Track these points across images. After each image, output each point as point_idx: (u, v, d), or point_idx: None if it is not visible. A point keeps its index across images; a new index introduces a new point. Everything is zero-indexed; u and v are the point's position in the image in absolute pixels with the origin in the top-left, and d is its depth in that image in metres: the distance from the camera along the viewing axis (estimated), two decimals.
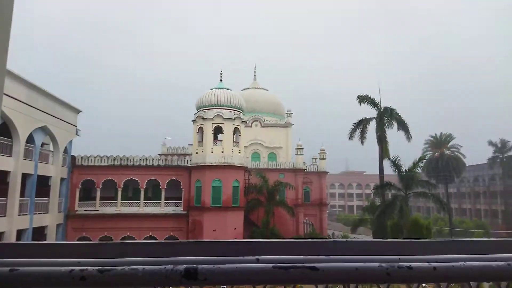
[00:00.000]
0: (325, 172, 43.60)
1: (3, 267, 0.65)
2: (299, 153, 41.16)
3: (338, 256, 0.79)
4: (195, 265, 0.67)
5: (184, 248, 0.88)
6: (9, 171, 20.93)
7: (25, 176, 22.74)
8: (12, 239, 20.69)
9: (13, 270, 0.64)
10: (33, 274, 0.64)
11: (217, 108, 29.34)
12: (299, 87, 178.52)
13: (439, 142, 55.92)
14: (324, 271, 0.70)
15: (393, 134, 38.45)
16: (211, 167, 28.62)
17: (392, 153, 35.22)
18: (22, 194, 22.46)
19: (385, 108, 38.01)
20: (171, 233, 29.87)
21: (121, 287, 0.66)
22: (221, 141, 29.63)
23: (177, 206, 30.67)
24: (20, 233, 22.11)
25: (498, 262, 0.76)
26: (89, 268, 0.66)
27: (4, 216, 20.35)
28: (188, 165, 30.66)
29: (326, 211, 45.81)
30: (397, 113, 37.27)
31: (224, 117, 29.15)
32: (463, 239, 0.95)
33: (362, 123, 39.79)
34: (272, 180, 34.15)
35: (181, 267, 0.67)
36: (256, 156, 45.35)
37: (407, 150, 40.71)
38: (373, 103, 38.83)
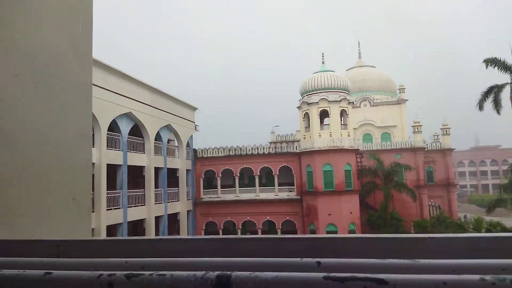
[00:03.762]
0: (450, 149, 39.18)
1: (40, 269, 0.65)
2: (416, 130, 37.74)
3: (421, 260, 0.56)
4: (228, 272, 0.57)
5: (240, 245, 0.78)
6: (144, 166, 24.10)
7: (157, 170, 25.91)
8: (152, 225, 23.88)
9: (48, 274, 0.63)
10: (66, 280, 0.62)
11: (322, 92, 28.71)
12: (414, 59, 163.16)
13: None
14: (396, 285, 0.49)
15: None
16: (320, 152, 28.30)
17: None
18: (156, 186, 25.66)
19: None
20: (287, 217, 30.62)
21: None
22: (328, 124, 28.99)
23: (291, 191, 31.25)
24: (157, 219, 25.36)
25: None
26: (117, 273, 0.61)
27: (144, 205, 23.58)
28: (297, 151, 30.88)
29: (455, 192, 41.25)
30: None
31: (329, 100, 28.40)
32: None
33: (493, 91, 34.36)
34: (388, 161, 32.10)
35: (213, 275, 0.57)
36: (367, 137, 43.17)
37: None
38: (504, 66, 33.10)
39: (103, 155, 19.97)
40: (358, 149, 31.33)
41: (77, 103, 1.56)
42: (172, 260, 0.70)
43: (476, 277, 0.52)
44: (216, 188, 32.56)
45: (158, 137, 26.46)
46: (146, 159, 24.29)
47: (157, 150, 26.18)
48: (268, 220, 31.01)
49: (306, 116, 29.72)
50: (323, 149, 28.21)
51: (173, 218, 28.77)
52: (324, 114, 29.14)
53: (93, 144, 19.79)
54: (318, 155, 28.37)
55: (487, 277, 0.51)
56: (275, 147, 32.27)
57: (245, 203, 31.30)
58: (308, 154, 29.17)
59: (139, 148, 24.06)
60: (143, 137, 24.52)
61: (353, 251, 0.69)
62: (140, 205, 23.26)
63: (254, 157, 31.98)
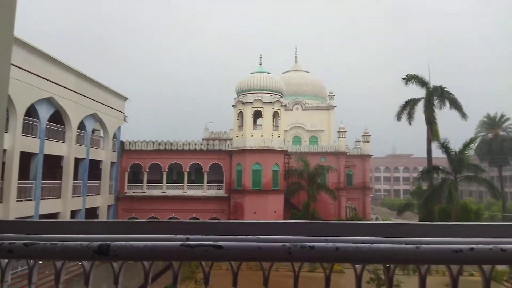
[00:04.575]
0: (369, 156, 42.53)
1: None
2: (341, 136, 40.39)
3: (246, 236, 0.81)
4: (108, 242, 0.74)
5: (127, 227, 0.95)
6: (63, 156, 22.56)
7: (77, 161, 24.40)
8: (66, 219, 22.42)
9: None
10: None
11: (257, 93, 29.42)
12: (343, 68, 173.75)
13: (494, 123, 52.14)
14: (228, 250, 0.73)
15: (446, 115, 36.37)
16: (251, 151, 28.96)
17: (445, 135, 33.48)
18: (75, 177, 24.16)
19: (435, 87, 35.91)
20: (214, 214, 30.78)
21: (41, 259, 0.75)
22: (261, 125, 29.80)
23: (219, 189, 31.48)
24: (74, 213, 23.90)
25: (406, 245, 0.75)
26: (17, 242, 0.75)
27: (59, 197, 22.07)
28: (229, 149, 31.23)
29: (370, 195, 44.85)
30: (448, 92, 35.19)
31: (263, 101, 29.20)
32: (382, 222, 0.92)
33: (410, 104, 38.06)
34: (314, 163, 33.89)
35: (95, 244, 0.74)
36: (297, 140, 45.08)
37: (462, 132, 38.48)
38: (422, 83, 36.83)
39: (17, 142, 18.32)
40: (287, 151, 32.62)
41: None
42: (66, 236, 0.85)
43: (280, 244, 0.76)
44: (142, 183, 31.59)
45: (81, 126, 24.95)
46: (65, 149, 22.76)
47: (80, 140, 24.68)
48: (194, 217, 30.89)
49: (240, 115, 30.21)
50: (254, 148, 28.91)
51: (92, 213, 27.30)
52: (257, 114, 29.86)
53: (6, 129, 18.05)
54: (249, 154, 29.00)
55: (287, 244, 0.76)
56: (207, 144, 32.26)
57: (171, 199, 30.82)
58: (239, 152, 29.66)
59: (59, 136, 22.47)
60: (64, 125, 22.94)
61: (216, 230, 0.90)
62: (55, 198, 21.76)
63: (185, 153, 31.63)
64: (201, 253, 0.74)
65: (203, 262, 0.89)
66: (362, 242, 0.79)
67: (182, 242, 0.75)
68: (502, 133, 51.65)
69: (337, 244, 0.76)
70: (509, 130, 52.60)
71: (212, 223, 0.91)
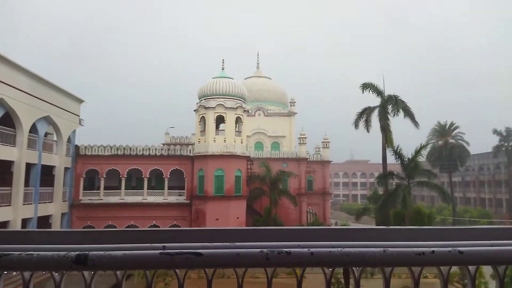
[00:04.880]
0: (328, 161, 43.64)
1: None
2: (302, 142, 41.18)
3: (223, 243, 0.84)
4: (86, 252, 0.74)
5: (103, 236, 0.94)
6: (13, 161, 21.24)
7: (29, 166, 23.06)
8: (17, 228, 21.07)
9: None
10: None
11: (219, 97, 29.35)
12: (303, 76, 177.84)
13: (444, 131, 55.40)
14: (208, 257, 0.75)
15: (400, 123, 38.08)
16: (213, 157, 28.79)
17: (399, 142, 34.96)
18: (26, 184, 22.80)
19: (389, 96, 37.61)
20: (175, 222, 30.18)
21: (16, 270, 0.73)
22: (223, 130, 29.73)
23: (180, 195, 30.95)
24: (25, 222, 22.50)
25: (374, 249, 0.82)
26: None
27: (9, 205, 20.72)
28: (191, 154, 30.83)
29: (330, 200, 45.95)
30: (402, 101, 36.89)
31: (226, 106, 29.18)
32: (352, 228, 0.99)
33: (366, 112, 39.60)
34: (275, 169, 34.26)
35: (73, 254, 0.73)
36: (259, 145, 45.41)
37: (417, 140, 40.56)
38: (377, 91, 38.49)
39: None
40: (249, 156, 32.76)
41: None
42: (40, 246, 0.83)
43: (257, 250, 0.79)
44: (99, 190, 30.37)
45: (33, 129, 23.63)
46: (16, 153, 21.44)
47: (32, 144, 23.35)
48: (154, 224, 30.12)
49: (203, 120, 29.96)
50: (217, 154, 28.76)
51: (45, 221, 25.86)
52: (220, 120, 29.76)
53: None
54: (211, 160, 28.79)
55: (265, 250, 0.80)
56: (168, 149, 31.65)
57: (130, 206, 29.87)
58: (201, 158, 29.37)
59: (10, 140, 21.13)
60: (15, 128, 21.61)
61: (192, 237, 0.92)
62: (5, 205, 20.39)
63: (145, 158, 30.82)
64: (181, 261, 0.75)
65: (177, 271, 0.90)
66: (334, 246, 0.84)
67: (161, 251, 0.76)
68: (451, 140, 55.02)
69: (312, 249, 0.81)
70: (458, 137, 56.12)
71: (187, 231, 0.93)
